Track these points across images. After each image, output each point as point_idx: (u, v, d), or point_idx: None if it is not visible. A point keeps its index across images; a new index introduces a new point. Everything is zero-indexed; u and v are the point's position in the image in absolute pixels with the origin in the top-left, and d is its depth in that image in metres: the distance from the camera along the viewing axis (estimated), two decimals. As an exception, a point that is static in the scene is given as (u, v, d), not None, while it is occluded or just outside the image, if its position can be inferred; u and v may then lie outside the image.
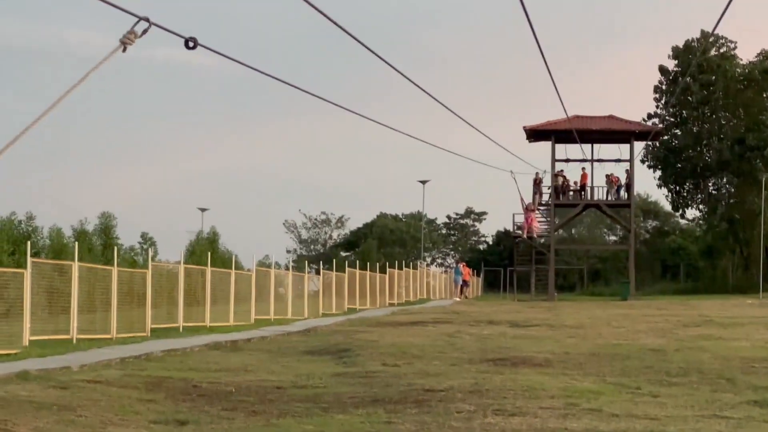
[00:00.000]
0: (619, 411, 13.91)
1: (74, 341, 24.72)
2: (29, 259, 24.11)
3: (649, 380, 17.97)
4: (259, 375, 19.36)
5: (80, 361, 19.65)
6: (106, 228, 39.71)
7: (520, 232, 26.27)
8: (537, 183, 61.98)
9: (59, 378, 16.85)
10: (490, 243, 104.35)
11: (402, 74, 15.03)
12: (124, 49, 6.77)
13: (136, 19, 6.68)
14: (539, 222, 21.69)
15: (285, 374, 19.55)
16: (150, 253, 35.67)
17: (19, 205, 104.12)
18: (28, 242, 28.98)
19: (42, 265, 25.16)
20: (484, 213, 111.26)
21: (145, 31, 6.82)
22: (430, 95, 16.63)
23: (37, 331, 23.64)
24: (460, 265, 67.29)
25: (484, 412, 13.73)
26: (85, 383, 16.28)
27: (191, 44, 7.95)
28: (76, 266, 25.90)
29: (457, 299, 61.54)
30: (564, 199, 64.85)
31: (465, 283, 65.69)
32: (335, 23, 11.19)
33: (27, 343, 22.60)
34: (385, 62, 13.99)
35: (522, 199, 23.54)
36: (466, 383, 17.00)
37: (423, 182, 78.89)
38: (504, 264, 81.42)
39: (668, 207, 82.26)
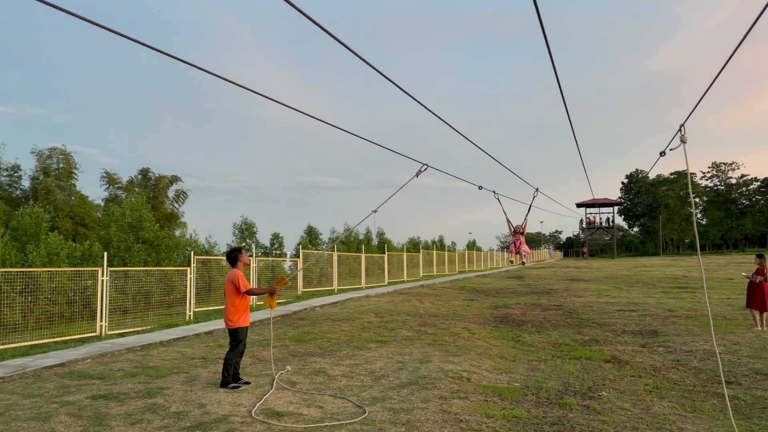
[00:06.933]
0: (617, 295, 20.98)
1: (363, 286, 35.48)
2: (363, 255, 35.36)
3: (625, 285, 25.81)
4: (494, 284, 29.31)
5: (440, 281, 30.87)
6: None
7: (512, 260, 17.12)
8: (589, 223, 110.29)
9: (432, 286, 27.34)
10: (564, 240, 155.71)
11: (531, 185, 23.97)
12: (417, 176, 7.46)
13: (421, 165, 7.63)
14: (528, 245, 14.79)
15: (500, 284, 29.67)
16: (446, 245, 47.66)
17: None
18: (361, 245, 40.83)
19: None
20: (560, 231, 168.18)
21: (424, 170, 7.69)
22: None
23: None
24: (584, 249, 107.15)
25: (569, 296, 21.73)
26: (444, 288, 26.97)
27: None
28: (386, 255, 37.74)
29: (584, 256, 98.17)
30: (591, 227, 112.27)
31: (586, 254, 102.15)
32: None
33: (363, 284, 29.87)
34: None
35: (508, 221, 15.37)
36: (562, 286, 26.51)
37: (541, 222, 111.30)
38: (569, 245, 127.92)
39: (626, 227, 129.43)
